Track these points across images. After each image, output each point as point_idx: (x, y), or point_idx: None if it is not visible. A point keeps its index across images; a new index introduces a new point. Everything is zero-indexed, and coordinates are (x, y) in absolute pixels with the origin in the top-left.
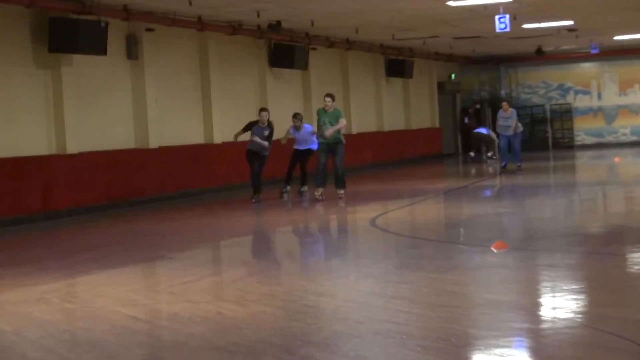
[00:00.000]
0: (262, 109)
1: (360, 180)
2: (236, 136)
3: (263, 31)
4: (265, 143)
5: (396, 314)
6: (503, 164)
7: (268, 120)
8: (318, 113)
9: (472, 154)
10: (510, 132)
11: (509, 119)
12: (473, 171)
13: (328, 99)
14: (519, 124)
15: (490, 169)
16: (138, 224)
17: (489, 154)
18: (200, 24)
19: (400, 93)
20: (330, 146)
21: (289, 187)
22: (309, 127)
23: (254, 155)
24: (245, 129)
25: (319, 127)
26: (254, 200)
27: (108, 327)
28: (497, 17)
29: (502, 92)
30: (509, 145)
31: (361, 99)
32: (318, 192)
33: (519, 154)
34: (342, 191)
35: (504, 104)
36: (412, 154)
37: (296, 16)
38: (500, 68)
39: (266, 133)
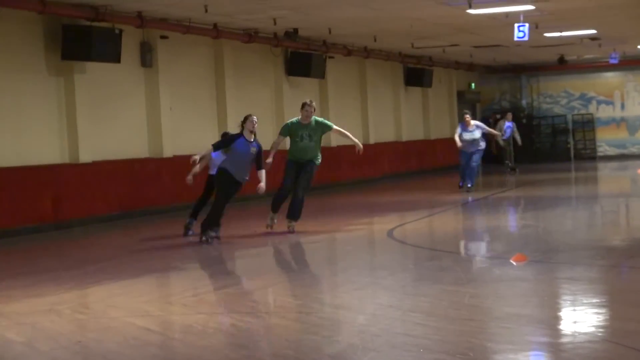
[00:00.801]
0: (249, 116)
1: (377, 191)
2: (194, 164)
3: (279, 39)
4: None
5: (413, 327)
6: (461, 184)
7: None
8: (289, 128)
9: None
10: (473, 149)
11: (473, 133)
12: (494, 182)
13: (309, 108)
14: (482, 140)
15: (511, 179)
16: (151, 234)
17: (507, 162)
18: (216, 32)
19: (419, 102)
20: (299, 164)
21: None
22: None
23: (232, 183)
24: (218, 146)
25: (294, 142)
26: (204, 239)
27: (120, 338)
28: (516, 25)
29: (523, 102)
30: (468, 162)
31: (379, 108)
32: (274, 220)
33: (474, 174)
34: (294, 223)
35: (467, 116)
36: (431, 164)
37: (313, 24)
38: (521, 77)
39: (253, 151)
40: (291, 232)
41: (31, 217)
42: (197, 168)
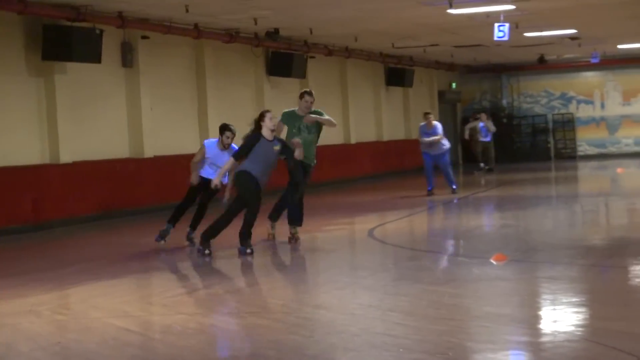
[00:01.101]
0: (267, 112)
1: (358, 191)
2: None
3: (260, 39)
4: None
5: (393, 326)
6: (429, 188)
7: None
8: (287, 117)
9: (482, 165)
10: (435, 151)
11: (432, 134)
12: (474, 182)
13: (310, 98)
14: (445, 142)
15: (483, 180)
16: (132, 235)
17: (482, 165)
18: (197, 32)
19: (400, 102)
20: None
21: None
22: None
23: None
24: (240, 155)
25: (290, 135)
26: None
27: (100, 339)
28: (496, 25)
29: (504, 102)
30: (434, 166)
31: (360, 108)
32: (274, 228)
33: (450, 176)
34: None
35: (430, 116)
36: (412, 164)
37: (294, 24)
38: (501, 77)
39: (277, 149)
40: (295, 239)
41: (11, 218)
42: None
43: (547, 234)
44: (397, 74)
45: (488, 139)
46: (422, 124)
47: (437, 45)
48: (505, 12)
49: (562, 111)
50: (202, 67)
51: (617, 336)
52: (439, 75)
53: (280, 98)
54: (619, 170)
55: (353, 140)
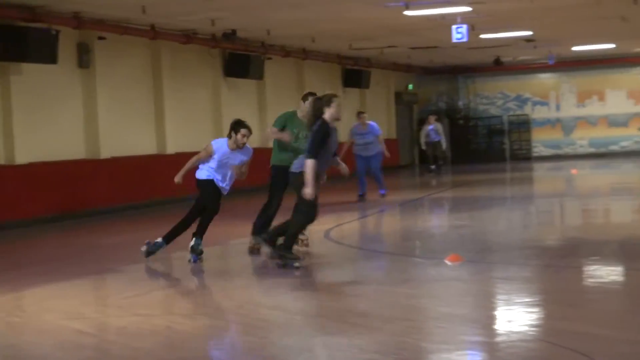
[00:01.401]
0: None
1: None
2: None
3: (218, 40)
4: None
5: (349, 327)
6: (360, 193)
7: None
8: (285, 119)
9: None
10: (368, 153)
11: (366, 135)
12: (430, 183)
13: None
14: (380, 143)
15: (435, 181)
16: (88, 236)
17: (432, 167)
18: (154, 33)
19: (357, 103)
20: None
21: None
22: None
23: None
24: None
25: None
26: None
27: (55, 341)
28: (454, 27)
29: (460, 103)
30: (367, 169)
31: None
32: (257, 240)
33: (381, 180)
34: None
35: (364, 115)
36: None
37: (251, 25)
38: (458, 78)
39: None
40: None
41: None
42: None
43: (501, 235)
44: (354, 75)
45: (437, 138)
46: (356, 124)
47: (394, 46)
48: (461, 14)
49: (518, 112)
50: (159, 68)
51: (570, 336)
52: (396, 76)
53: (238, 99)
54: (573, 171)
55: None
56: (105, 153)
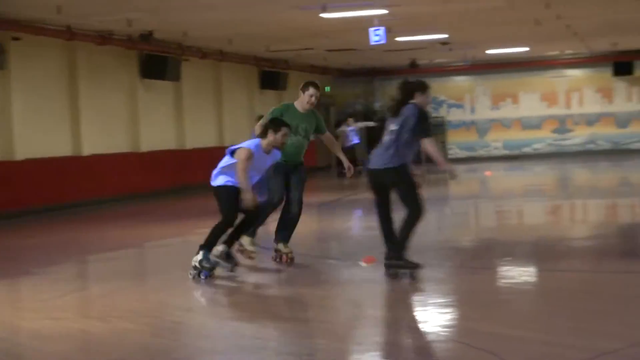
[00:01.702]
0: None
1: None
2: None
3: (134, 41)
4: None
5: (262, 329)
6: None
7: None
8: (282, 112)
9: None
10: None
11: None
12: (347, 185)
13: (316, 92)
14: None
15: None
16: (1, 238)
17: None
18: (69, 33)
19: (275, 105)
20: (288, 167)
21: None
22: None
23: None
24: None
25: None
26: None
27: None
28: (371, 29)
29: (377, 105)
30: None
31: (234, 111)
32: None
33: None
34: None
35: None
36: None
37: (168, 26)
38: (374, 81)
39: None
40: (288, 260)
41: None
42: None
43: (416, 237)
44: (271, 77)
45: (356, 140)
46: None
47: (311, 49)
48: (378, 16)
49: (433, 115)
50: (75, 69)
51: (483, 336)
52: (313, 78)
53: (154, 101)
54: (487, 173)
55: (227, 143)
56: (20, 155)
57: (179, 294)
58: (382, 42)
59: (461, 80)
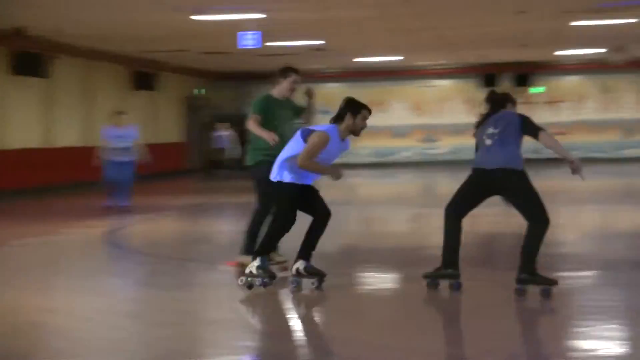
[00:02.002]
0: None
1: (97, 195)
2: None
3: (5, 37)
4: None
5: (121, 331)
6: (110, 204)
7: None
8: (266, 104)
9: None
10: (126, 158)
11: (125, 137)
12: (215, 187)
13: (297, 77)
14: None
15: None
16: None
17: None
18: None
19: (147, 106)
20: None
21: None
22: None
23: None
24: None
25: (271, 127)
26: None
27: None
28: (241, 33)
29: (245, 110)
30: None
31: (106, 111)
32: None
33: (129, 191)
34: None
35: (124, 116)
36: (158, 168)
37: (41, 23)
38: (249, 85)
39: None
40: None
41: None
42: None
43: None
44: (144, 78)
45: (225, 145)
46: (111, 125)
47: (185, 50)
48: (251, 20)
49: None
50: None
51: (341, 343)
52: (188, 80)
53: (24, 98)
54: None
55: (90, 144)
56: None
57: (39, 294)
58: (257, 46)
59: (333, 87)
